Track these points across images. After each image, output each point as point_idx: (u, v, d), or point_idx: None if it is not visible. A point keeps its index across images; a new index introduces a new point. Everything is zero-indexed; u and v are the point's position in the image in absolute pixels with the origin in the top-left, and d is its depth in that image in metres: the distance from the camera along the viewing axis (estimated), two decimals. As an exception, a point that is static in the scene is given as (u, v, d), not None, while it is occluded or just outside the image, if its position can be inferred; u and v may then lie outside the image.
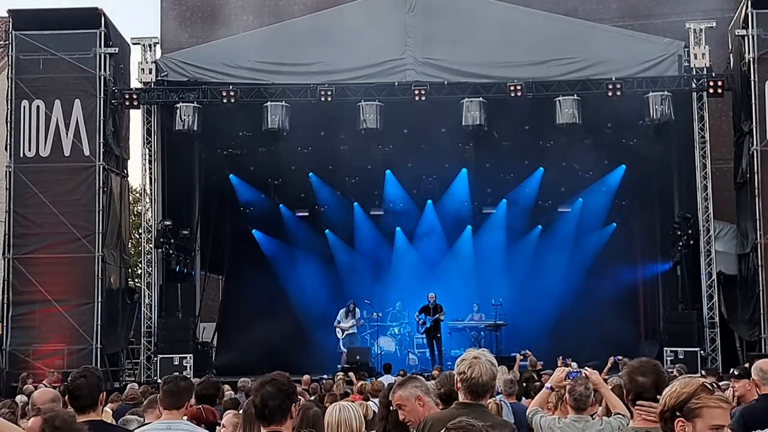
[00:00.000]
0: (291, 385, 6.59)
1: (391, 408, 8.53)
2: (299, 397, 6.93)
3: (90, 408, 7.82)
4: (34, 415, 8.21)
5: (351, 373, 24.15)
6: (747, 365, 21.14)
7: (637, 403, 6.22)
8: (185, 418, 8.81)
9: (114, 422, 10.99)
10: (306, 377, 22.45)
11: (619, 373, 18.38)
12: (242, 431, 7.60)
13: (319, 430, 7.32)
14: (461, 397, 7.19)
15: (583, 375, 9.13)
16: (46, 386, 21.71)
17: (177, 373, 9.16)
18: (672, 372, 17.55)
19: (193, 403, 10.51)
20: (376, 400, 13.80)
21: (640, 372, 6.32)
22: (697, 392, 4.93)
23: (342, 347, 32.33)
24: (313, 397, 15.91)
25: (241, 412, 9.22)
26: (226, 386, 18.57)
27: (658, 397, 5.35)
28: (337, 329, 32.98)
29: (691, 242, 29.96)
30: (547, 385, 9.60)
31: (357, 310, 33.35)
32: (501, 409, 11.84)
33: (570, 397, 9.13)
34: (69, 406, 7.81)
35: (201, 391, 11.05)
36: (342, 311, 33.20)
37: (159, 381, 25.75)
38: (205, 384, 11.54)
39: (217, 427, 9.81)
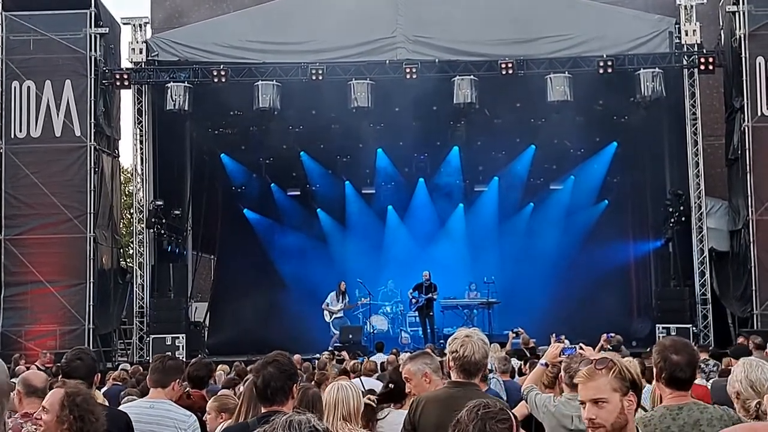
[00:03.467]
0: (292, 365, 6.69)
1: (389, 386, 8.60)
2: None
3: (85, 389, 7.82)
4: (28, 394, 8.15)
5: (344, 352, 24.15)
6: (742, 339, 21.16)
7: None
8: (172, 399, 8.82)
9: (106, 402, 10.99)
10: (297, 357, 22.41)
11: (606, 349, 18.43)
12: (243, 410, 7.60)
13: (319, 411, 7.36)
14: (454, 376, 7.23)
15: (578, 352, 9.12)
16: (38, 367, 21.73)
17: (167, 353, 9.19)
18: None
19: (185, 384, 10.51)
20: (368, 379, 13.83)
21: (674, 350, 6.26)
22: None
23: (333, 329, 32.33)
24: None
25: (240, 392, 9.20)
26: (224, 366, 18.59)
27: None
28: (325, 312, 32.84)
29: (683, 219, 30.00)
30: (542, 361, 9.60)
31: (346, 293, 33.29)
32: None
33: (566, 374, 9.09)
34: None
35: (193, 372, 11.06)
36: (332, 294, 33.03)
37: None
38: (197, 365, 11.55)
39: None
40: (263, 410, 6.54)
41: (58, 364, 15.75)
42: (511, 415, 4.48)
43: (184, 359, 24.71)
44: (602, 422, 4.76)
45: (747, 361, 6.76)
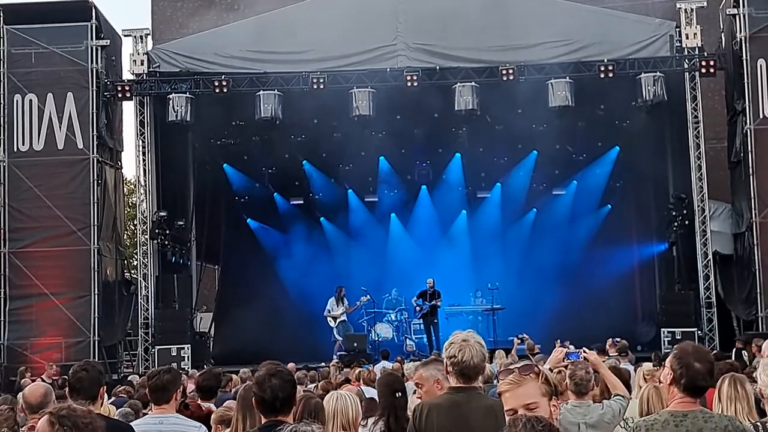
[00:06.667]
0: (292, 374, 6.73)
1: (397, 395, 8.59)
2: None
3: (90, 402, 7.83)
4: (29, 411, 8.24)
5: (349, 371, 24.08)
6: (739, 345, 21.07)
7: None
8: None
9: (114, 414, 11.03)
10: (291, 365, 22.33)
11: (617, 356, 18.38)
12: (239, 421, 7.59)
13: (321, 420, 7.38)
14: (453, 381, 7.19)
15: (582, 357, 9.12)
16: (44, 380, 21.74)
17: (162, 368, 9.20)
18: None
19: (191, 394, 10.52)
20: (368, 388, 13.85)
21: (696, 358, 6.18)
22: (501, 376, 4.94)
23: (336, 335, 32.28)
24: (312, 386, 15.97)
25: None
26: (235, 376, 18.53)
27: None
28: (329, 318, 32.74)
29: (687, 222, 29.99)
30: (546, 367, 9.59)
31: (345, 297, 33.21)
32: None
33: (570, 381, 9.10)
34: (69, 399, 7.83)
35: (203, 382, 11.07)
36: (332, 299, 32.97)
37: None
38: (206, 375, 11.56)
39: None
40: (263, 420, 6.54)
41: (65, 377, 15.78)
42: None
43: (189, 370, 24.71)
44: None
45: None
